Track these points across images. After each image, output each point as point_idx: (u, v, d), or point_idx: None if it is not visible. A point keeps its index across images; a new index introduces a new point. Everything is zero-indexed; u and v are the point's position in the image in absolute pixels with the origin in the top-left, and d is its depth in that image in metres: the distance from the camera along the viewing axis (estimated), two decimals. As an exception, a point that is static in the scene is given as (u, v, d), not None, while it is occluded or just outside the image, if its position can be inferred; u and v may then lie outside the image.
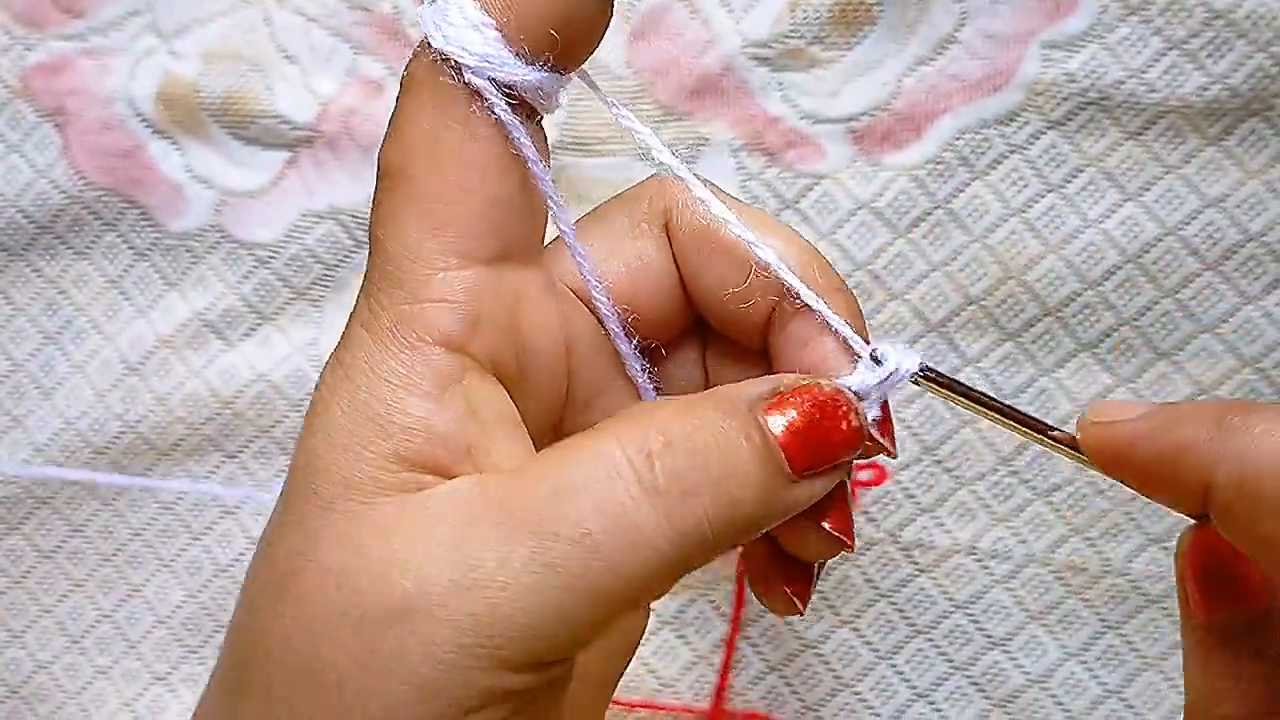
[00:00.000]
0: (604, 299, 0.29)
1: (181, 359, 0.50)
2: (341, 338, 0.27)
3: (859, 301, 0.31)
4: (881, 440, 0.29)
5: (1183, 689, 0.47)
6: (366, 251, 0.49)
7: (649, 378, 0.30)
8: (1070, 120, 0.46)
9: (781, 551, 0.29)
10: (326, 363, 0.27)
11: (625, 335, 0.29)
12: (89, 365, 0.51)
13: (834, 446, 0.27)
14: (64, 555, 0.51)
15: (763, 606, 0.31)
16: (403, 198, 0.27)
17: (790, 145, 0.48)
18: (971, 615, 0.48)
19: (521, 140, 0.27)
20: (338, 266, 0.50)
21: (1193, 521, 0.28)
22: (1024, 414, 0.30)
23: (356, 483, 0.25)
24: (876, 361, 0.28)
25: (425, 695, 0.24)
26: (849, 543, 0.28)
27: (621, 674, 0.33)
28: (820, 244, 0.47)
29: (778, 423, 0.26)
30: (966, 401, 0.30)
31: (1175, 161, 0.46)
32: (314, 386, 0.27)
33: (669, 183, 0.30)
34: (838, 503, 0.28)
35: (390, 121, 0.28)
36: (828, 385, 0.27)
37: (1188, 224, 0.46)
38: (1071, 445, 0.29)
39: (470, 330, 0.26)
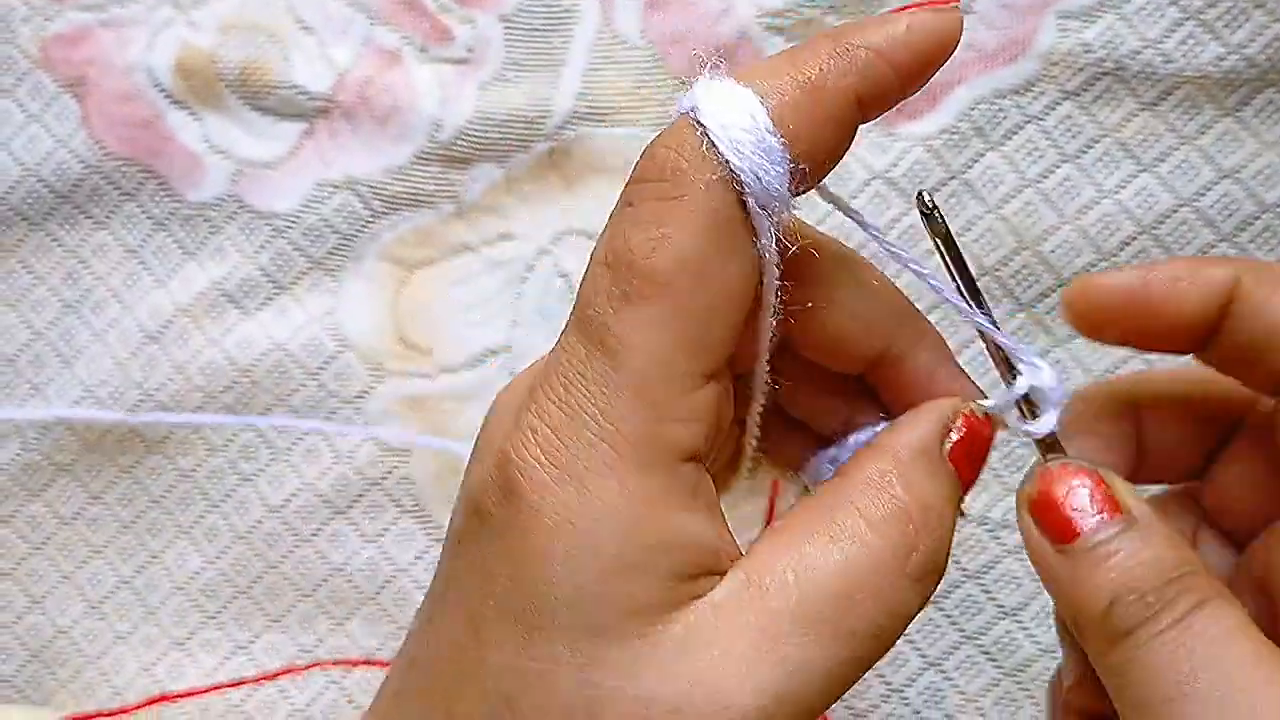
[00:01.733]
0: (760, 397, 0.30)
1: (200, 328, 0.51)
2: (559, 439, 0.26)
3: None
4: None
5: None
6: (381, 223, 0.49)
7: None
8: (1086, 90, 0.46)
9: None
10: (537, 466, 0.26)
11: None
12: (108, 334, 0.51)
13: (983, 463, 0.30)
14: (83, 522, 0.52)
15: None
16: (663, 313, 0.26)
17: (805, 115, 0.48)
18: (983, 585, 0.48)
19: (772, 277, 0.27)
20: (354, 236, 0.50)
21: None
22: (996, 334, 0.30)
23: (644, 608, 0.25)
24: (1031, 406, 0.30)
25: None
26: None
27: None
28: (835, 214, 0.47)
29: (956, 461, 0.29)
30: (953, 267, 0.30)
31: (1191, 132, 0.46)
32: (520, 491, 0.26)
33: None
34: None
35: (648, 212, 0.26)
36: (979, 410, 0.30)
37: (1203, 195, 0.46)
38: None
39: (709, 443, 0.27)
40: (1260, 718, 0.25)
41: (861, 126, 0.48)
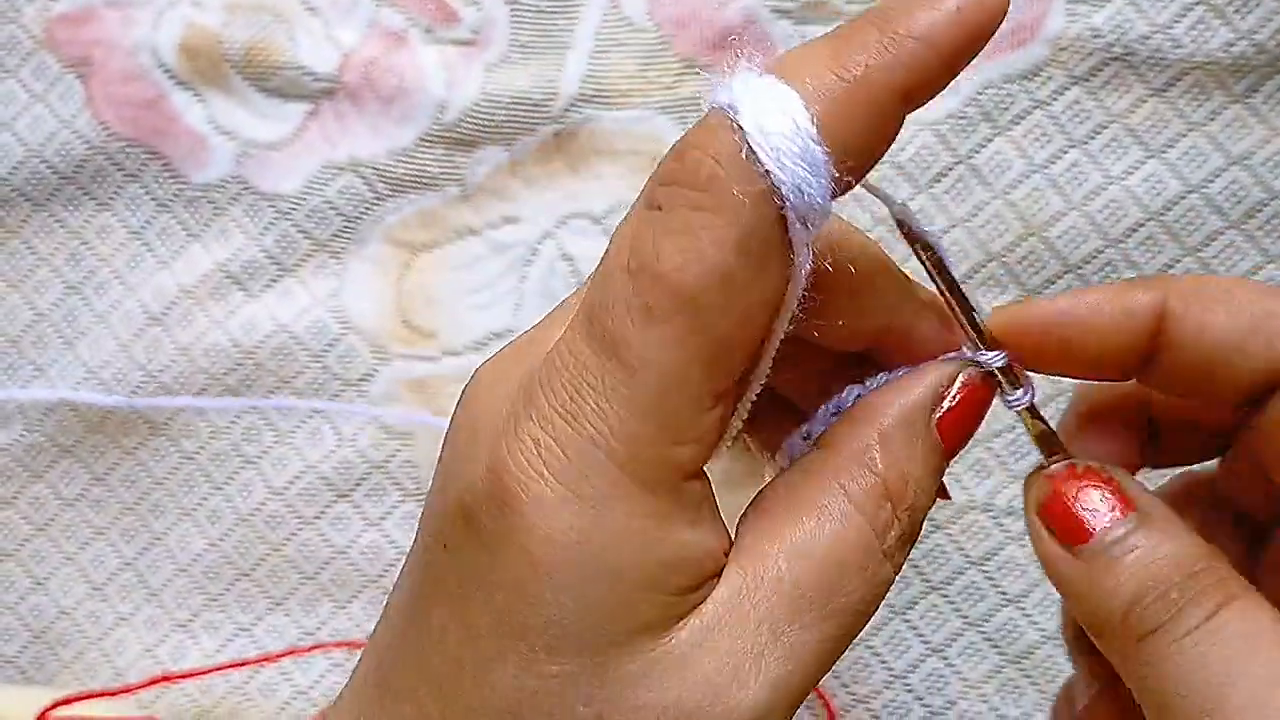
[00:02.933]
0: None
1: (204, 309, 0.51)
2: (564, 454, 0.25)
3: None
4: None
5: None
6: (386, 205, 0.49)
7: None
8: (1094, 76, 0.46)
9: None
10: (538, 481, 0.25)
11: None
12: (112, 315, 0.51)
13: (976, 426, 0.29)
14: (86, 503, 0.52)
15: None
16: (686, 331, 0.24)
17: (812, 99, 0.47)
18: (986, 572, 0.48)
19: (799, 286, 0.25)
20: (358, 219, 0.50)
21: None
22: (972, 315, 0.29)
23: (654, 624, 0.25)
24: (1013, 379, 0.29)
25: None
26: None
27: None
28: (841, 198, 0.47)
29: (942, 428, 0.28)
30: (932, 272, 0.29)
31: (1200, 118, 0.46)
32: (517, 507, 0.25)
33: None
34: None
35: (682, 220, 0.24)
36: (977, 375, 0.28)
37: (1211, 181, 0.46)
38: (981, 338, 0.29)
39: (713, 456, 0.27)
40: None
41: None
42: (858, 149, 0.25)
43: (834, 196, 0.24)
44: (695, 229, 0.24)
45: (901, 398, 0.28)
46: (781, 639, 0.26)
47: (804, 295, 0.26)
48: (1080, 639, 0.32)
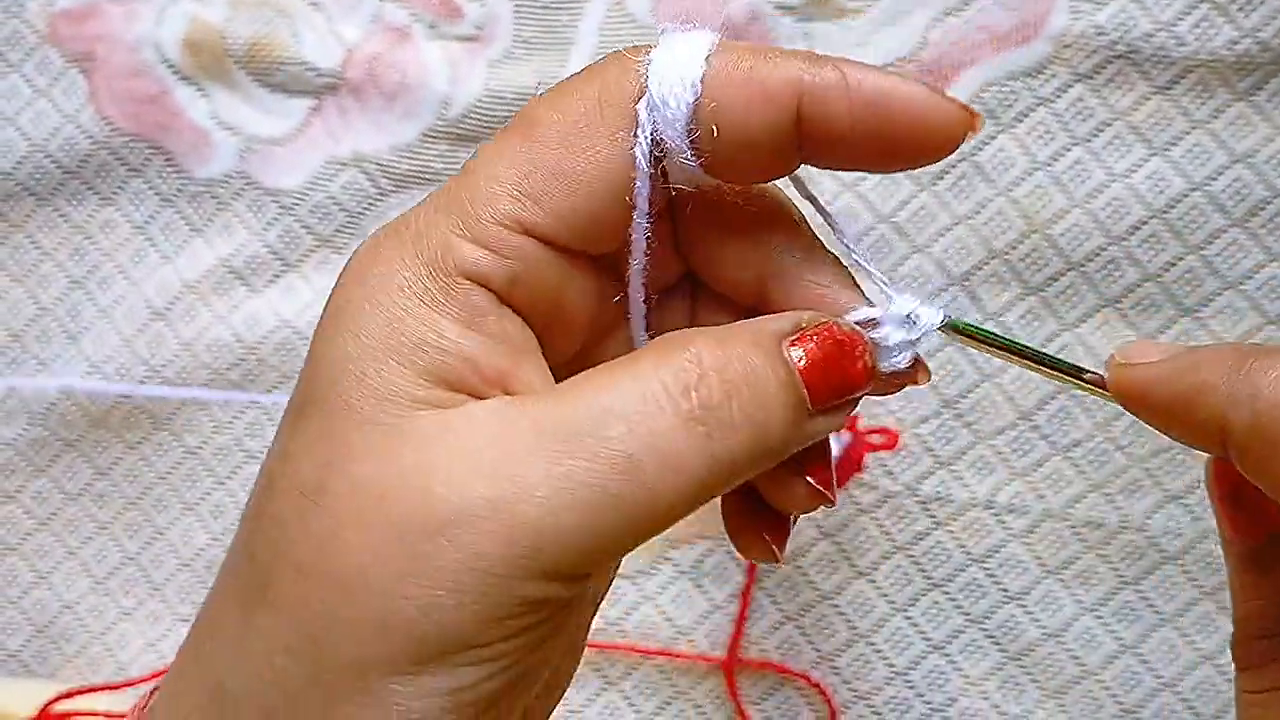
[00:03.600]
0: (640, 263, 0.29)
1: (207, 304, 0.51)
2: (382, 234, 0.27)
3: (882, 255, 0.31)
4: (916, 377, 0.30)
5: (1197, 645, 0.47)
6: (389, 200, 0.49)
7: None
8: (1098, 73, 0.46)
9: (759, 503, 0.30)
10: (353, 258, 0.27)
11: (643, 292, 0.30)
12: (115, 310, 0.51)
13: (850, 382, 0.27)
14: (90, 498, 0.52)
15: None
16: (518, 149, 0.27)
17: (815, 96, 0.47)
18: (988, 569, 0.48)
19: (641, 189, 0.27)
20: (361, 214, 0.50)
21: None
22: (1054, 357, 0.30)
23: (392, 396, 0.26)
24: (908, 319, 0.29)
25: (464, 601, 0.25)
26: (830, 497, 0.29)
27: (602, 599, 0.34)
28: (844, 196, 0.47)
29: (799, 356, 0.27)
30: (993, 349, 0.30)
31: (1203, 116, 0.46)
32: (334, 286, 0.27)
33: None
34: (820, 457, 0.29)
35: (562, 81, 0.27)
36: (845, 324, 0.28)
37: (1214, 179, 0.46)
38: (1102, 387, 0.29)
39: (508, 285, 0.27)
40: None
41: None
42: (733, 122, 0.26)
43: (697, 159, 0.27)
44: (570, 82, 0.27)
45: (754, 322, 0.28)
46: (522, 460, 0.25)
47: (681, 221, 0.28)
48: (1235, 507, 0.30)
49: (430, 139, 0.49)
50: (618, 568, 0.35)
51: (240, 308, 0.50)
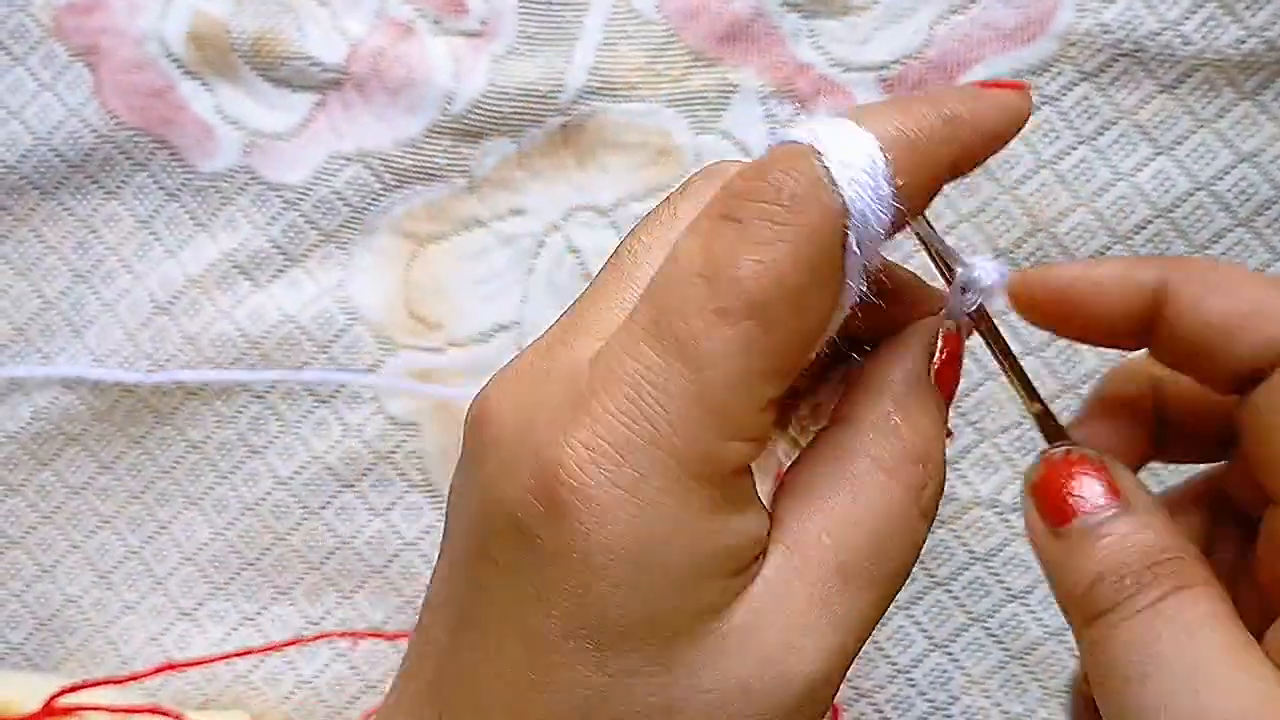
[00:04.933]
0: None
1: (210, 299, 0.51)
2: (621, 456, 0.26)
3: (888, 252, 0.31)
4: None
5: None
6: (393, 196, 0.49)
7: None
8: (1104, 72, 0.46)
9: None
10: (594, 487, 0.26)
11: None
12: (119, 304, 0.51)
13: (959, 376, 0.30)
14: (93, 492, 0.52)
15: None
16: (754, 336, 0.26)
17: (820, 93, 0.47)
18: (991, 568, 0.48)
19: (845, 309, 0.28)
20: (366, 209, 0.50)
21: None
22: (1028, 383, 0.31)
23: (711, 609, 0.26)
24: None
25: None
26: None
27: None
28: (848, 193, 0.47)
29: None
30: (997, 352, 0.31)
31: (1209, 115, 0.46)
32: (573, 514, 0.26)
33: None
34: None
35: (759, 231, 0.26)
36: (951, 326, 0.30)
37: (1220, 179, 0.46)
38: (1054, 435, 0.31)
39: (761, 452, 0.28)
40: (1215, 706, 0.26)
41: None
42: (911, 199, 0.27)
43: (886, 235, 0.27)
44: (773, 242, 0.26)
45: (903, 363, 0.29)
46: (831, 608, 0.27)
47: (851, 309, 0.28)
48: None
49: (434, 135, 0.49)
50: None
51: (244, 302, 0.51)
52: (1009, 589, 0.48)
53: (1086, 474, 0.29)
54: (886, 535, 0.27)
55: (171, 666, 0.50)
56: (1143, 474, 0.30)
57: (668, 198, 0.29)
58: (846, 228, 0.26)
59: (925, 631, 0.48)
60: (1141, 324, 0.30)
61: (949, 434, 0.30)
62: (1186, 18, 0.45)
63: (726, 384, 0.26)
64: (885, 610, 0.28)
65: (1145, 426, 0.32)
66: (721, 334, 0.25)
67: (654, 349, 0.26)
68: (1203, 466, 0.33)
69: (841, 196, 0.26)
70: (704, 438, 0.26)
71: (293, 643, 0.51)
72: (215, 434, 0.51)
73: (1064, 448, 0.30)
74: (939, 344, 0.30)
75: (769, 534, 0.27)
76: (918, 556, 0.28)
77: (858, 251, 0.26)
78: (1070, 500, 0.29)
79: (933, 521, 0.28)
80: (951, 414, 0.47)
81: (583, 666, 0.26)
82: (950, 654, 0.48)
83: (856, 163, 0.26)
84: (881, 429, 0.28)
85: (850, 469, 0.28)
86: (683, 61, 0.48)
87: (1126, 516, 0.28)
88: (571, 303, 0.28)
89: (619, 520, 0.25)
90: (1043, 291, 0.30)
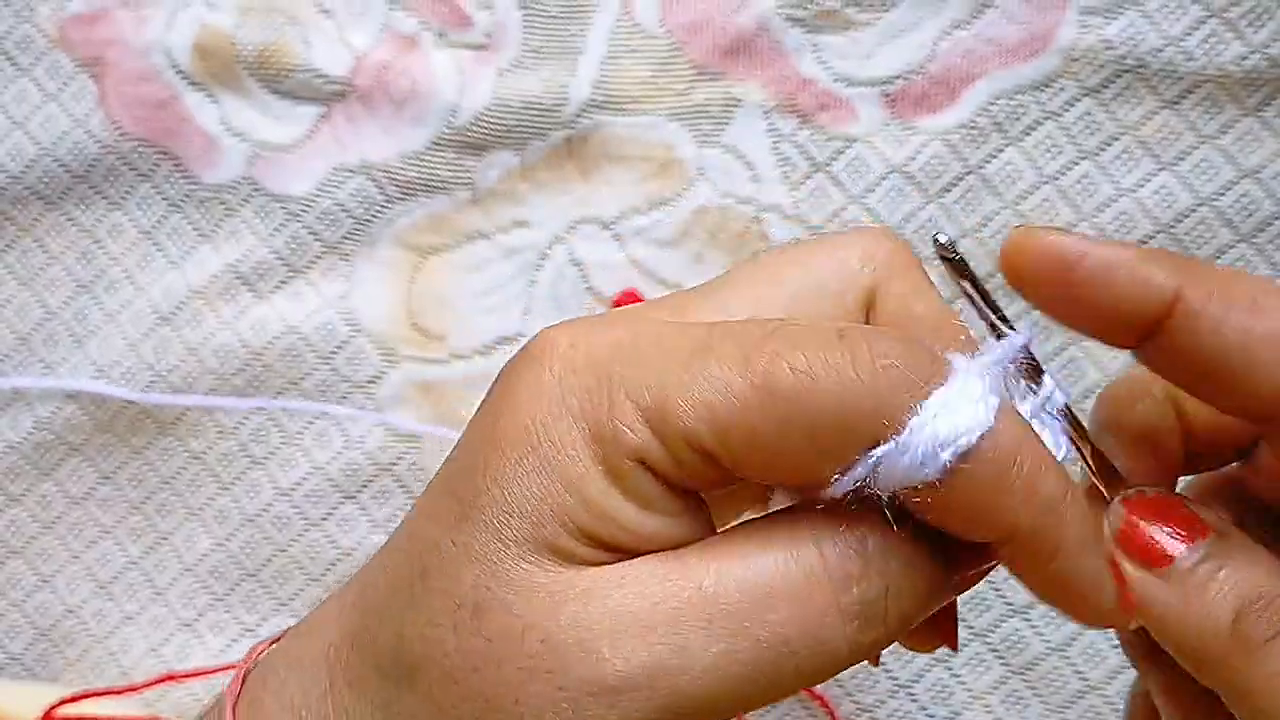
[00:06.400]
0: None
1: (213, 310, 0.51)
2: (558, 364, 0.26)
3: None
4: None
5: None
6: (397, 208, 0.49)
7: None
8: (1106, 87, 0.46)
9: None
10: (526, 361, 0.27)
11: None
12: (121, 315, 0.51)
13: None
14: (94, 502, 0.52)
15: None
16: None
17: (823, 107, 0.47)
18: (992, 583, 0.48)
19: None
20: (369, 221, 0.50)
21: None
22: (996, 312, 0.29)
23: (552, 545, 0.26)
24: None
25: None
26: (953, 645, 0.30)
27: None
28: (851, 207, 0.47)
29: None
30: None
31: (1211, 131, 0.46)
32: (495, 381, 0.27)
33: (883, 246, 0.29)
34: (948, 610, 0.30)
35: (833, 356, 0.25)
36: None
37: (1222, 195, 0.46)
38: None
39: (675, 472, 0.27)
40: None
41: (881, 119, 0.48)
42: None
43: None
44: (827, 364, 0.25)
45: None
46: (674, 632, 0.25)
47: None
48: (1155, 668, 0.30)
49: (438, 147, 0.49)
50: None
51: (246, 313, 0.51)
52: (1010, 604, 0.48)
53: (1171, 509, 0.28)
54: (776, 596, 0.25)
55: (171, 677, 0.50)
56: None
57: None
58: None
59: (927, 646, 0.48)
60: (1147, 328, 0.27)
61: (951, 640, 0.29)
62: (1189, 34, 0.45)
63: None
64: (754, 688, 0.25)
65: (1176, 451, 0.31)
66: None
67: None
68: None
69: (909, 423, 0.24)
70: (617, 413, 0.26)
71: (293, 654, 0.50)
72: (216, 445, 0.51)
73: (1134, 490, 0.28)
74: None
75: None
76: (820, 659, 0.25)
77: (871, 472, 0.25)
78: (1163, 541, 0.27)
79: (859, 645, 0.25)
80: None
81: (444, 524, 0.27)
82: (951, 669, 0.48)
83: (951, 435, 0.24)
84: (844, 515, 0.26)
85: (786, 531, 0.26)
86: (686, 76, 0.48)
87: (1225, 544, 0.27)
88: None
89: (524, 442, 0.26)
90: (1043, 259, 0.27)
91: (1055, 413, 0.28)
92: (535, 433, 0.26)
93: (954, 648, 0.30)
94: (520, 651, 0.25)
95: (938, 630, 0.30)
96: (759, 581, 0.25)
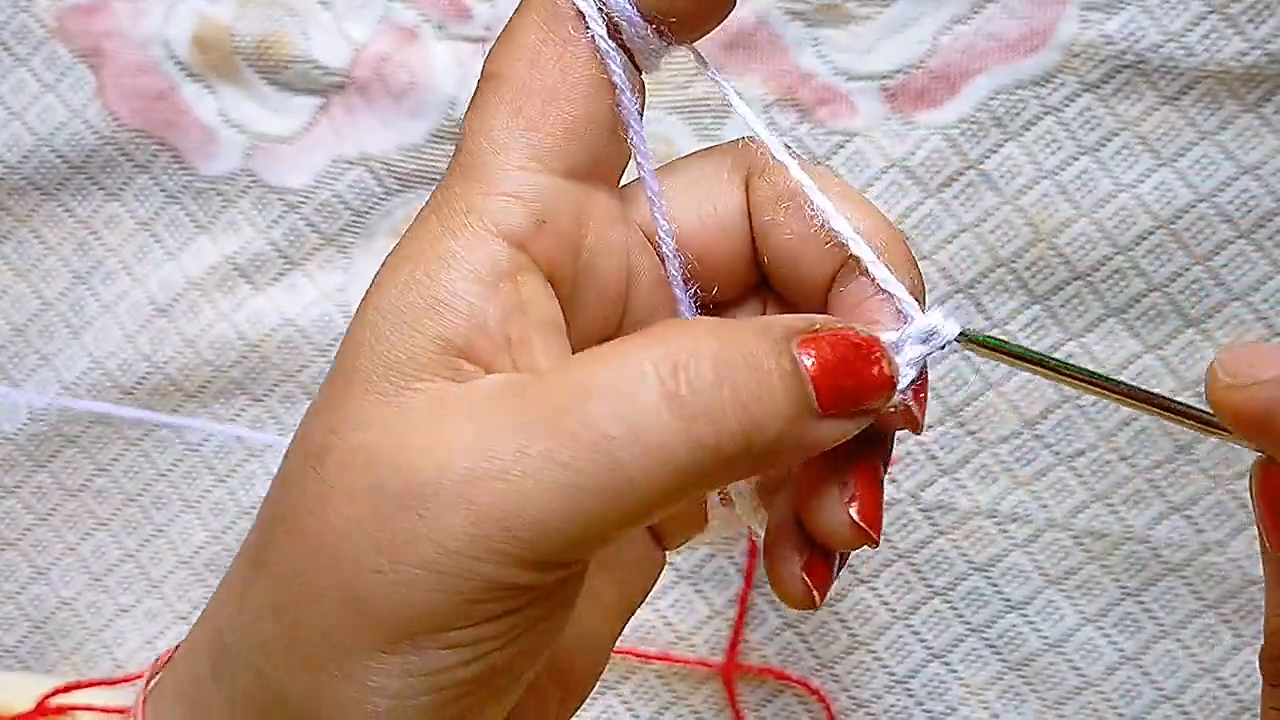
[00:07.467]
0: (669, 239, 0.30)
1: (210, 302, 0.51)
2: (411, 225, 0.28)
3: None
4: (913, 405, 0.28)
5: (1199, 658, 0.47)
6: (395, 200, 0.49)
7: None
8: (1106, 83, 0.46)
9: (804, 539, 0.29)
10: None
11: (683, 280, 0.30)
12: (118, 306, 0.51)
13: (863, 389, 0.26)
14: (89, 494, 0.52)
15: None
16: (497, 97, 0.28)
17: (823, 102, 0.47)
18: (990, 578, 0.48)
19: (614, 67, 0.28)
20: (367, 213, 0.50)
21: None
22: (1077, 368, 0.29)
23: (397, 362, 0.25)
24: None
25: (433, 581, 0.24)
26: (874, 537, 0.28)
27: (633, 611, 0.33)
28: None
29: (809, 357, 0.26)
30: (1019, 362, 0.29)
31: (1211, 127, 0.46)
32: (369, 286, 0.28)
33: (755, 144, 0.30)
34: (868, 490, 0.28)
35: (500, 33, 0.29)
36: (863, 330, 0.27)
37: (1222, 191, 0.46)
38: (1130, 395, 0.28)
39: (534, 231, 0.27)
40: None
41: (881, 114, 0.48)
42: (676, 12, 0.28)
43: (661, 45, 0.29)
44: (508, 29, 0.28)
45: (768, 318, 0.27)
46: (492, 434, 0.24)
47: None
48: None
49: (437, 139, 0.49)
50: (650, 585, 0.34)
51: (244, 305, 0.50)
52: (1007, 599, 0.48)
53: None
54: (596, 388, 0.24)
55: (166, 670, 0.50)
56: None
57: None
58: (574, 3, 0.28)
59: (923, 641, 0.48)
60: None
61: (873, 540, 0.28)
62: (1189, 30, 0.45)
63: (477, 146, 0.28)
64: (583, 490, 0.24)
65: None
66: (474, 111, 0.28)
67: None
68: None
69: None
70: (462, 197, 0.27)
71: (288, 647, 0.50)
72: (212, 436, 0.51)
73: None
74: (825, 333, 0.27)
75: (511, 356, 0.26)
76: (649, 456, 0.24)
77: (597, 17, 0.28)
78: None
79: (696, 442, 0.24)
80: (950, 423, 0.48)
81: (322, 397, 0.27)
82: (948, 664, 0.48)
83: None
84: (676, 324, 0.27)
85: (623, 344, 0.26)
86: (686, 69, 0.48)
87: None
88: None
89: (391, 264, 0.27)
90: (1257, 419, 0.26)
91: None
92: (395, 259, 0.27)
93: (815, 605, 0.29)
94: (349, 482, 0.25)
95: (812, 572, 0.29)
96: (578, 381, 0.25)
